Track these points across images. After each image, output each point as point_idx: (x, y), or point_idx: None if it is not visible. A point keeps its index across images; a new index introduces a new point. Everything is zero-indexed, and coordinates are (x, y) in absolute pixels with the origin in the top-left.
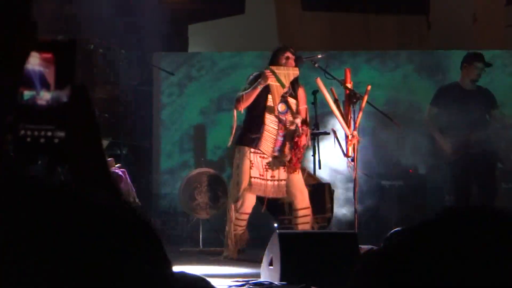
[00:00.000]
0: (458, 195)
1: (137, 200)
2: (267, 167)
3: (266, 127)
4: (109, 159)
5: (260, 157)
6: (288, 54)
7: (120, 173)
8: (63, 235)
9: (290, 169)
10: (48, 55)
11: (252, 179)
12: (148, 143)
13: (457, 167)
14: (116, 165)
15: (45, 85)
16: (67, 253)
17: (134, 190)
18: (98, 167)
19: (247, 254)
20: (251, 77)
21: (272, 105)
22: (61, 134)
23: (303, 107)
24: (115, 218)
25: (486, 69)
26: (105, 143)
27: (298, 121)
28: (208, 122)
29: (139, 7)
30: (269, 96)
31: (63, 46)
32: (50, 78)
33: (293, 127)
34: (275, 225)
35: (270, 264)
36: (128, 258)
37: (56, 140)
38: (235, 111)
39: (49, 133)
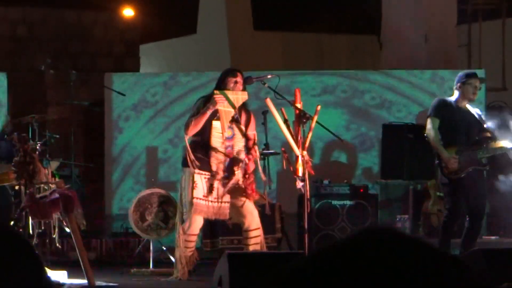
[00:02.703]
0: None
1: (84, 222)
2: (211, 188)
3: (212, 150)
4: (58, 180)
5: (204, 178)
6: (237, 78)
7: (70, 194)
8: None
9: (250, 197)
10: None
11: (194, 200)
12: (100, 164)
13: (460, 183)
14: (65, 186)
15: None
16: None
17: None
18: None
19: (197, 274)
20: (199, 101)
21: (219, 130)
22: None
23: (251, 132)
24: None
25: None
26: (55, 164)
27: (242, 165)
28: (160, 143)
29: (91, 27)
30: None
31: None
32: None
33: (239, 155)
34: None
35: (219, 284)
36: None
37: None
38: (186, 137)
39: None
